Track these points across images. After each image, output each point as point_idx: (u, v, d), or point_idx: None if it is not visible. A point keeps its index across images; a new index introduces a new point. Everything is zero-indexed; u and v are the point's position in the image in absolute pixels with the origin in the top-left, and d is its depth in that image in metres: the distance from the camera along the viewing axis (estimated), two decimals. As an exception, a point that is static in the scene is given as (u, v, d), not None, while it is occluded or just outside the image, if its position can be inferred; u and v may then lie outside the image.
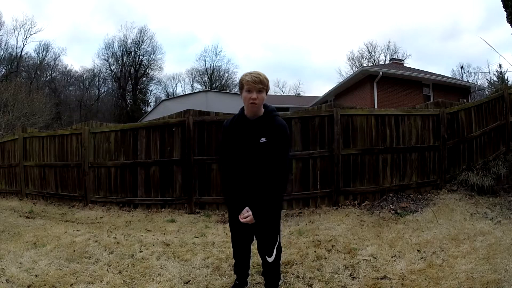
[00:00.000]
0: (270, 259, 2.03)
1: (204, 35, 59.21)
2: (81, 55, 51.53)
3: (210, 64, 39.31)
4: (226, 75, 39.47)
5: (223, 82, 38.92)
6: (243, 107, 1.96)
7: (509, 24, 6.42)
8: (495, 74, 23.88)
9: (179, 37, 57.15)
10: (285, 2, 58.53)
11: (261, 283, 2.42)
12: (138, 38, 35.71)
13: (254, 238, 2.16)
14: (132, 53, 35.84)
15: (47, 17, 46.32)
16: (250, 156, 1.89)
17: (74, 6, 48.71)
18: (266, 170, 1.85)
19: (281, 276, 2.35)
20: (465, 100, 12.64)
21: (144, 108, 35.56)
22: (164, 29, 54.53)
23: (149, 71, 36.99)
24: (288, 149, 1.94)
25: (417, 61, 46.61)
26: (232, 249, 2.28)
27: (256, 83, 1.81)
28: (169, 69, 67.05)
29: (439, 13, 48.43)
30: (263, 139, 1.85)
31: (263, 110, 1.93)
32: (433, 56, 47.92)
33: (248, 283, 2.38)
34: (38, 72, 31.46)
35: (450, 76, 22.03)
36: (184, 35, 57.07)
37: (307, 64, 59.28)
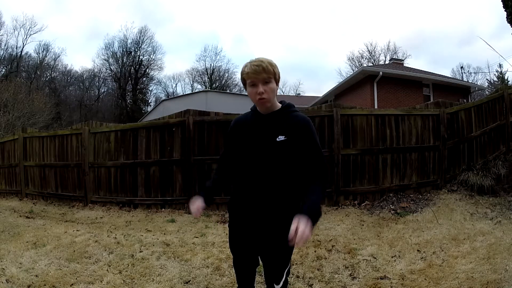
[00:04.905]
0: (277, 287, 1.60)
1: (225, 34, 59.81)
2: (99, 51, 51.83)
3: (210, 64, 39.33)
4: (226, 75, 39.49)
5: (223, 82, 38.91)
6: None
7: (509, 24, 6.43)
8: (495, 74, 23.93)
9: (201, 36, 57.99)
10: (302, 2, 58.76)
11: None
12: (138, 38, 35.72)
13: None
14: (132, 53, 35.83)
15: (68, 11, 46.82)
16: (263, 158, 1.47)
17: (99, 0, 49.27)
18: (288, 178, 1.46)
19: None
20: (465, 100, 12.64)
21: (144, 108, 35.54)
22: (186, 27, 55.59)
23: (149, 71, 37.02)
24: (320, 147, 1.52)
25: (431, 64, 47.86)
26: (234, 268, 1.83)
27: (259, 73, 1.41)
28: (186, 67, 68.07)
29: (456, 20, 49.99)
30: (281, 137, 1.45)
31: (278, 104, 1.54)
32: (447, 60, 49.28)
33: None
34: (38, 72, 31.43)
35: (450, 76, 22.04)
36: (206, 34, 57.77)
37: (316, 65, 59.70)
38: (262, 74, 1.42)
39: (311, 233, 1.27)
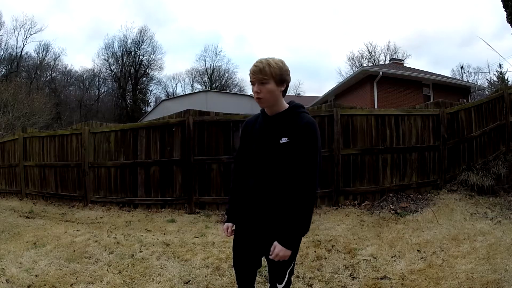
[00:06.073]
0: (280, 286, 1.62)
1: (228, 34, 59.94)
2: (99, 51, 52.04)
3: (210, 64, 39.32)
4: (226, 75, 39.51)
5: (223, 82, 38.92)
6: None
7: (509, 24, 6.43)
8: (495, 74, 23.95)
9: (202, 36, 58.64)
10: (303, 3, 58.78)
11: (261, 282, 2.42)
12: (138, 38, 35.72)
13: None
14: (132, 53, 35.83)
15: (69, 11, 47.07)
16: (267, 160, 1.50)
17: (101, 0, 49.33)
18: (288, 181, 1.46)
19: None
20: (465, 100, 12.64)
21: (144, 108, 35.56)
22: (189, 28, 55.92)
23: (149, 71, 37.03)
24: (317, 154, 1.48)
25: (432, 64, 48.14)
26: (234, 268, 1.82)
27: (255, 73, 1.46)
28: (186, 66, 68.58)
29: (457, 21, 50.41)
30: (284, 139, 1.47)
31: (286, 105, 1.56)
32: (448, 61, 49.66)
33: None
34: (38, 72, 31.44)
35: (450, 76, 22.04)
36: (208, 34, 58.22)
37: (316, 65, 59.83)
38: (257, 74, 1.46)
39: (288, 254, 1.43)
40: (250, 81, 1.51)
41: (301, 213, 1.43)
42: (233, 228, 1.69)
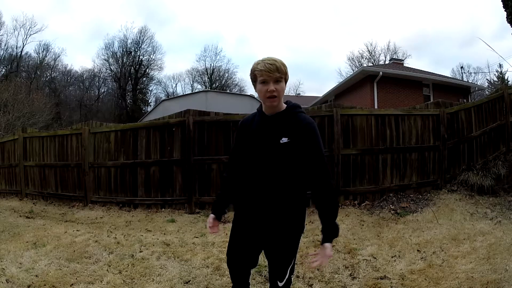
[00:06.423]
0: (281, 284, 1.62)
1: (228, 34, 59.63)
2: (99, 51, 51.93)
3: (210, 64, 39.28)
4: (226, 75, 39.46)
5: (223, 82, 38.89)
6: (262, 104, 1.61)
7: (509, 24, 6.44)
8: (495, 74, 23.96)
9: (203, 36, 58.34)
10: (303, 3, 58.70)
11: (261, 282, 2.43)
12: (138, 38, 35.69)
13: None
14: (132, 53, 35.82)
15: (70, 11, 46.96)
16: (266, 160, 1.50)
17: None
18: (287, 180, 1.49)
19: None
20: (465, 100, 12.65)
21: (144, 108, 35.52)
22: (189, 28, 55.68)
23: (149, 71, 37.01)
24: (323, 152, 1.52)
25: (433, 64, 48.22)
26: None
27: (272, 72, 1.43)
28: (187, 66, 68.34)
29: (459, 21, 50.45)
30: (284, 139, 1.47)
31: (284, 105, 1.57)
32: (449, 61, 49.96)
33: None
34: (38, 72, 31.39)
35: (450, 76, 22.03)
36: (209, 34, 58.07)
37: (317, 65, 59.93)
38: (275, 73, 1.44)
39: (331, 255, 1.50)
40: (263, 80, 1.46)
41: (332, 212, 1.53)
42: (214, 222, 1.69)
